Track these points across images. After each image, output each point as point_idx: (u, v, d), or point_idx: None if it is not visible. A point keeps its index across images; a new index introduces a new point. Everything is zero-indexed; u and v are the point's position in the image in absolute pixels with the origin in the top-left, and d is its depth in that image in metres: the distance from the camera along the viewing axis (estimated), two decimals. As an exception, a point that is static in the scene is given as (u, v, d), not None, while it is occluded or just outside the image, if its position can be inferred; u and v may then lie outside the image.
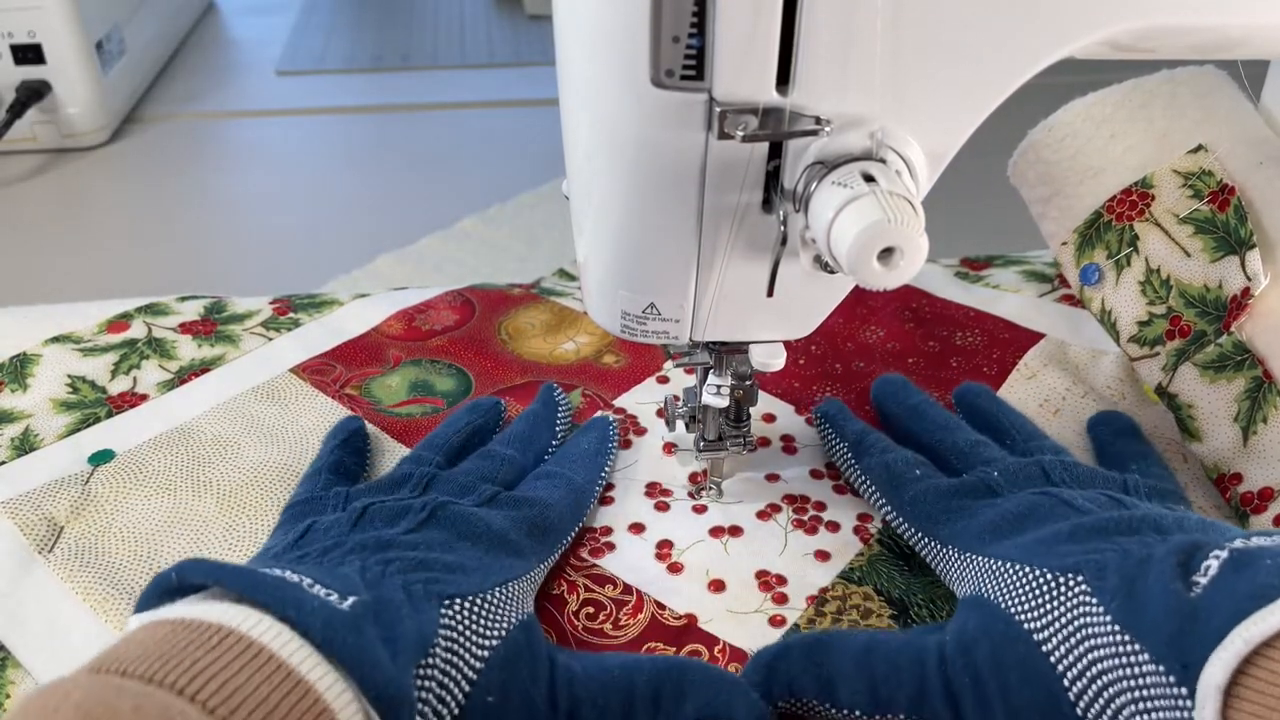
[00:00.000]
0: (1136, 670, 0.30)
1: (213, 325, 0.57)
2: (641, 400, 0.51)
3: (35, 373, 0.52)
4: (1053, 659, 0.32)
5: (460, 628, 0.32)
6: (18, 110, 0.82)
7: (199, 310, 0.58)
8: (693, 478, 0.46)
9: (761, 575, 0.41)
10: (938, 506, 0.40)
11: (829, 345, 0.55)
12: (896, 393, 0.49)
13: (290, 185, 0.84)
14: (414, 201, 0.80)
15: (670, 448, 0.48)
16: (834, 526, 0.44)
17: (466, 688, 0.31)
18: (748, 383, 0.42)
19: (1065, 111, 0.51)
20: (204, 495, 0.45)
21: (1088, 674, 0.31)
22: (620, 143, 0.31)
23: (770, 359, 0.39)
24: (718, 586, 0.41)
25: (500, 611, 0.34)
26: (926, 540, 0.40)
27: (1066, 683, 0.31)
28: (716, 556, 0.42)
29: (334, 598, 0.29)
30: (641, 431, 0.49)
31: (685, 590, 0.41)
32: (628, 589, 0.41)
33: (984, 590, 0.36)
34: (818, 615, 0.39)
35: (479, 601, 0.34)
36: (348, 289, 0.62)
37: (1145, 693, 0.29)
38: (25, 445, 0.47)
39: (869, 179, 0.28)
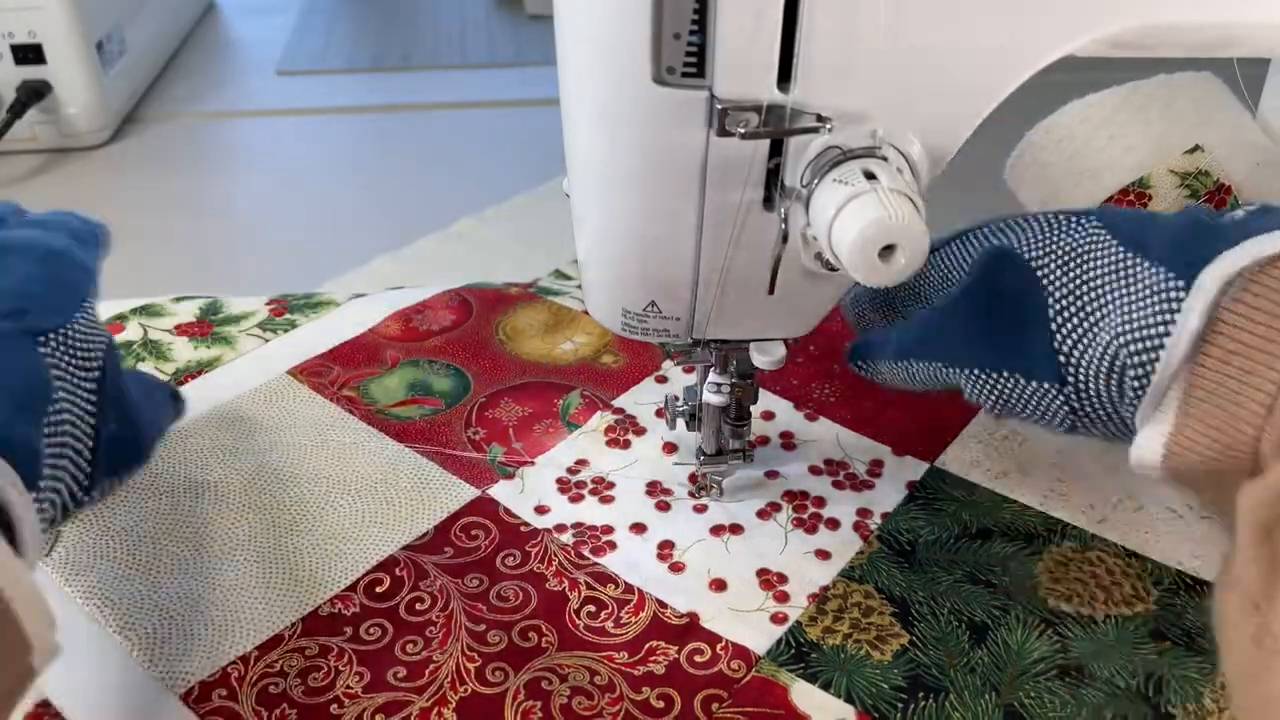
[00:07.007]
0: (1126, 268, 0.31)
1: (209, 327, 0.57)
2: (640, 400, 0.51)
3: (34, 372, 0.52)
4: (1039, 274, 0.33)
5: (64, 364, 0.31)
6: (18, 110, 0.82)
7: (195, 311, 0.58)
8: (693, 478, 0.46)
9: (763, 574, 0.41)
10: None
11: (827, 343, 0.55)
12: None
13: (289, 185, 0.84)
14: (411, 202, 0.79)
15: (670, 447, 0.48)
16: (834, 524, 0.44)
17: (92, 421, 0.31)
18: (748, 381, 0.42)
19: (1063, 114, 0.51)
20: (202, 498, 0.45)
21: (1068, 275, 0.32)
22: (621, 140, 0.31)
23: (771, 357, 0.39)
24: (719, 586, 0.41)
25: (92, 337, 0.33)
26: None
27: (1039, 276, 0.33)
28: (717, 555, 0.42)
29: None
30: (641, 431, 0.49)
31: (686, 589, 0.40)
32: (629, 588, 0.40)
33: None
34: (819, 613, 0.39)
35: (72, 333, 0.32)
36: (344, 290, 0.62)
37: (1127, 275, 0.30)
38: (24, 445, 0.47)
39: (870, 176, 0.28)
